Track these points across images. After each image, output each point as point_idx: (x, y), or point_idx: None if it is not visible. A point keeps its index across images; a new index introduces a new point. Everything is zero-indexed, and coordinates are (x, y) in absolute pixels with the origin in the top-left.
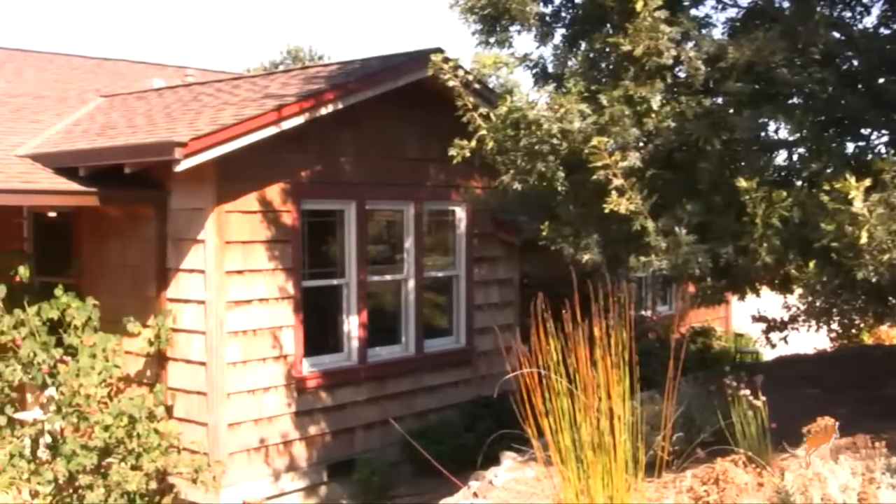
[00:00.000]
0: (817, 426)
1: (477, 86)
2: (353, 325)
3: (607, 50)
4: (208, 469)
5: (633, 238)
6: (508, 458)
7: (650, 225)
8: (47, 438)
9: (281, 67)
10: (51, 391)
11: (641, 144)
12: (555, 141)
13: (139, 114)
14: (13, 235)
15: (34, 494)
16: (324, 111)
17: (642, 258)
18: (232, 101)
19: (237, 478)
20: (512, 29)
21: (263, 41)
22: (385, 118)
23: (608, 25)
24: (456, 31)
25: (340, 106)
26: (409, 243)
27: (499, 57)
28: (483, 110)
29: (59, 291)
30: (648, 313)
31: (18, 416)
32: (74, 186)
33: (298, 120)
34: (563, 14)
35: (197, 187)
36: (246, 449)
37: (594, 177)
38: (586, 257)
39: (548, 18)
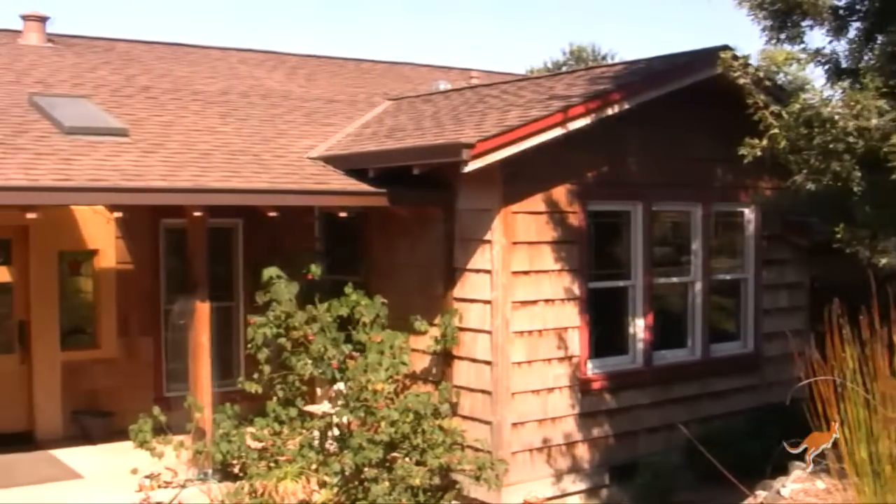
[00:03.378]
0: None
1: (767, 83)
2: (638, 328)
3: None
4: (491, 467)
5: None
6: (797, 469)
7: None
8: (335, 431)
9: (565, 68)
10: (339, 385)
11: None
12: (851, 139)
13: (426, 116)
14: (305, 235)
15: (322, 484)
16: (609, 112)
17: None
18: (517, 103)
19: (519, 477)
20: (803, 24)
21: (545, 41)
22: (669, 118)
23: None
24: (725, 27)
25: (626, 106)
26: (696, 245)
27: (791, 53)
28: (774, 108)
29: (348, 289)
30: None
31: (308, 408)
32: (364, 187)
33: (584, 121)
34: (859, 7)
35: (483, 188)
36: (528, 448)
37: (894, 176)
38: (884, 261)
39: (842, 11)
